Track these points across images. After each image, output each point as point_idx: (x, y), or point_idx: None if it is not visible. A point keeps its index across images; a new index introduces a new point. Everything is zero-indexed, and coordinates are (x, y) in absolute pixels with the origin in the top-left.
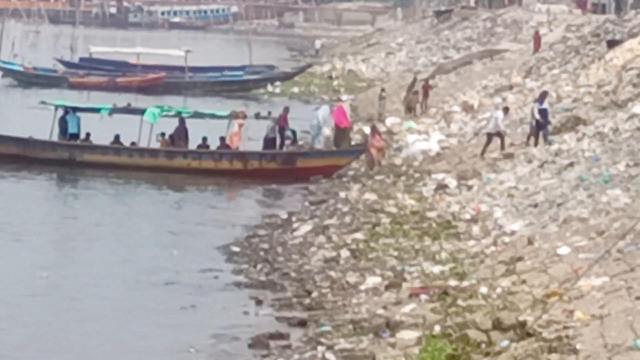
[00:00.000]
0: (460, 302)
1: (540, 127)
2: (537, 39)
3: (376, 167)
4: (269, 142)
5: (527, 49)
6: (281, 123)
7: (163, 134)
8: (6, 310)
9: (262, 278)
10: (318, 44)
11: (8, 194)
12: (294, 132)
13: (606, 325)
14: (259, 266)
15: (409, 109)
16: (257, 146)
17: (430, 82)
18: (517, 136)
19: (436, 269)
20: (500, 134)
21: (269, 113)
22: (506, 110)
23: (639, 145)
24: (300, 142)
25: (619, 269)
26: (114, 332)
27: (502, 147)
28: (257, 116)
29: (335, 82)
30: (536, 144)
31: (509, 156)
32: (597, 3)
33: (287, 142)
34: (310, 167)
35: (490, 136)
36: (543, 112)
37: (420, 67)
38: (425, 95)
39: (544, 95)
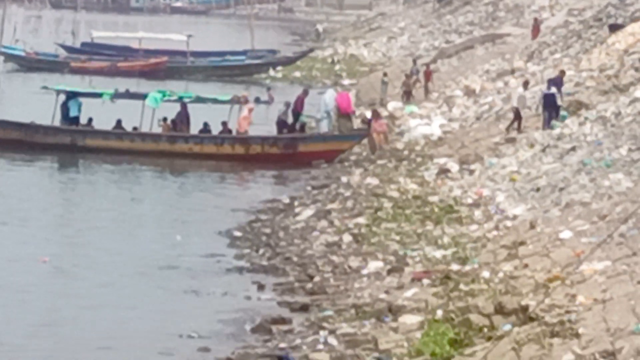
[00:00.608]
0: (462, 286)
1: (550, 113)
2: (535, 26)
3: (377, 152)
4: (280, 124)
5: (529, 34)
6: (297, 106)
7: (165, 119)
8: (9, 296)
9: (264, 263)
10: (320, 28)
11: (10, 179)
12: (303, 122)
13: (608, 310)
14: (261, 251)
15: (406, 94)
16: (260, 130)
17: (432, 66)
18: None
19: (438, 254)
20: (517, 112)
21: (268, 89)
22: (526, 84)
23: None
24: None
25: (621, 253)
26: (116, 317)
27: (508, 128)
28: (257, 100)
29: (337, 67)
30: (544, 127)
31: (511, 140)
32: None
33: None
34: (312, 151)
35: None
36: (549, 97)
37: (422, 52)
38: (427, 80)
39: (555, 78)
